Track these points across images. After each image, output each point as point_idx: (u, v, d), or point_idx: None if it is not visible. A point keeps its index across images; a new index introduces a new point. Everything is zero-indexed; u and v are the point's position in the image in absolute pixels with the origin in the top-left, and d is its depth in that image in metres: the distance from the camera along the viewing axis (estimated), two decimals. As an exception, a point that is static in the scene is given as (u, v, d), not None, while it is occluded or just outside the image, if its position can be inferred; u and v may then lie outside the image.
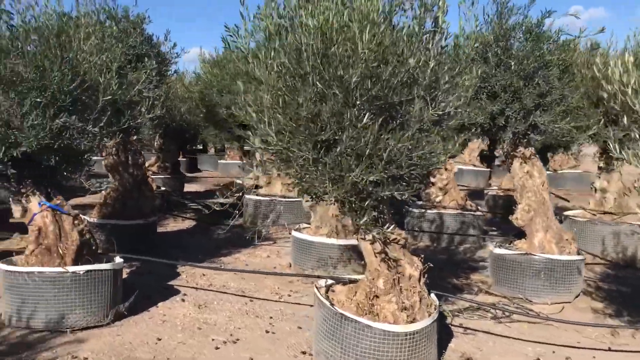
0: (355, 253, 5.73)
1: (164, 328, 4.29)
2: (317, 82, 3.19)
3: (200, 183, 14.26)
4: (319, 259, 5.75)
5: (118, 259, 4.48)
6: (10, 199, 4.44)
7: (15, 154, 4.06)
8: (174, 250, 6.74)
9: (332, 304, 3.60)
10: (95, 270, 4.17)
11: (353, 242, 5.73)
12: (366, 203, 3.18)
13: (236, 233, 7.99)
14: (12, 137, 4.03)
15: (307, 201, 5.85)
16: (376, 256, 3.61)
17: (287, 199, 8.20)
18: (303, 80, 3.25)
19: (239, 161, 16.75)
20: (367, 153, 3.06)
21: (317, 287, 3.89)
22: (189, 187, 12.56)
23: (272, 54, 3.27)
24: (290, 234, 7.62)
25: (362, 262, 5.79)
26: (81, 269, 4.12)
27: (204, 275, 5.73)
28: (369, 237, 3.53)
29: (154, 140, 10.90)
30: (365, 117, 3.04)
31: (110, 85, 4.45)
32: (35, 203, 4.40)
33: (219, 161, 17.27)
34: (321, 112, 3.20)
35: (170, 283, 5.42)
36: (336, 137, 3.19)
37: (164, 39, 6.39)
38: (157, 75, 5.89)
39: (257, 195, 8.47)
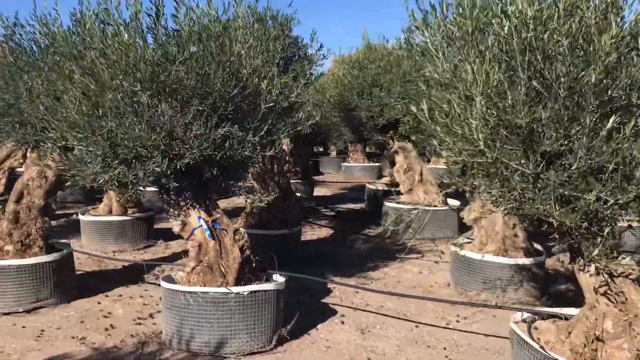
0: (528, 275, 5.04)
1: (330, 356, 3.90)
2: (533, 82, 2.62)
3: (327, 187, 13.99)
4: (485, 280, 5.11)
5: (279, 278, 4.15)
6: (169, 214, 4.25)
7: (178, 167, 3.84)
8: (317, 262, 6.40)
9: (541, 347, 3.00)
10: (259, 290, 3.85)
11: (526, 261, 5.05)
12: (605, 231, 2.55)
13: (377, 243, 7.53)
14: (176, 148, 3.81)
15: (473, 212, 5.25)
16: (597, 291, 2.95)
17: (433, 208, 7.61)
18: (514, 79, 2.69)
19: (363, 164, 16.36)
20: (610, 168, 2.43)
21: (515, 322, 3.30)
22: (316, 191, 12.31)
23: (480, 47, 2.73)
24: (438, 247, 7.11)
25: (536, 285, 5.11)
26: (245, 289, 3.82)
27: (357, 292, 5.31)
28: (592, 268, 2.89)
29: (284, 145, 10.73)
30: (610, 122, 2.42)
31: (271, 91, 4.14)
32: (194, 217, 4.18)
33: (342, 164, 16.95)
34: (540, 117, 2.62)
35: (324, 301, 5.05)
36: (561, 148, 2.60)
37: (310, 40, 6.05)
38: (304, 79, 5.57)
39: (397, 202, 7.95)
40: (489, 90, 2.67)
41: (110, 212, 7.14)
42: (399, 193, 8.46)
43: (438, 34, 3.01)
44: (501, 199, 2.87)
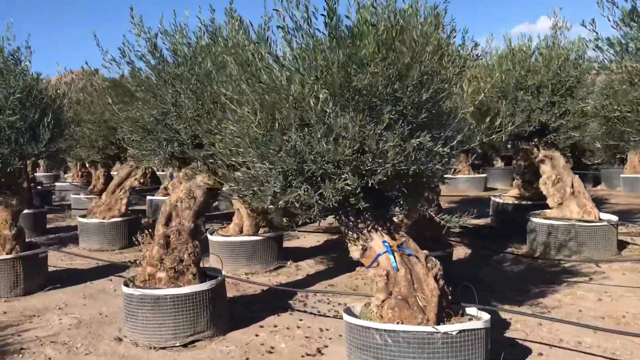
0: None
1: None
2: None
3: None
4: None
5: (484, 314, 3.53)
6: (347, 238, 3.74)
7: (369, 184, 3.32)
8: (475, 287, 5.71)
9: None
10: (469, 329, 3.25)
11: None
12: None
13: (529, 264, 6.76)
14: (368, 163, 3.29)
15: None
16: None
17: (590, 225, 6.76)
18: None
19: (468, 175, 15.49)
20: None
21: None
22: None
23: None
24: (601, 268, 6.18)
25: None
26: (453, 328, 3.23)
27: (540, 324, 4.60)
28: None
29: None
30: None
31: (463, 95, 3.57)
32: (377, 241, 3.65)
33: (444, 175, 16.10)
34: None
35: (509, 335, 4.38)
36: None
37: (462, 39, 5.41)
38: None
39: (546, 218, 7.14)
40: None
41: (240, 232, 6.78)
42: (537, 207, 7.67)
43: None
44: None
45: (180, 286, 4.40)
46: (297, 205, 3.46)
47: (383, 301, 3.50)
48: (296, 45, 3.38)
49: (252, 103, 3.41)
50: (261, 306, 5.26)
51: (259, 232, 6.78)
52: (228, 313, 4.71)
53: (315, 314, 5.01)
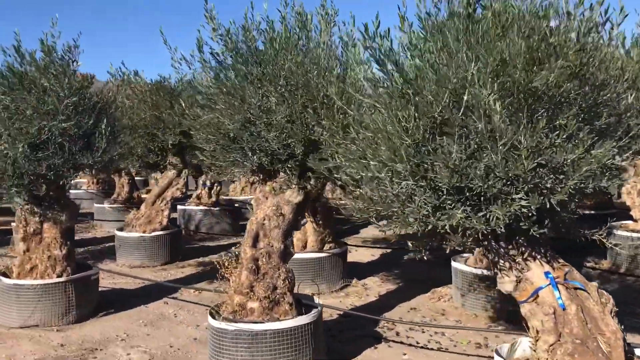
0: None
1: None
2: None
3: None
4: None
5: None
6: (497, 267, 3.15)
7: (548, 205, 2.74)
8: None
9: None
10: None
11: None
12: None
13: (622, 282, 6.20)
14: (547, 180, 2.72)
15: None
16: None
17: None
18: None
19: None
20: None
21: None
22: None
23: None
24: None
25: None
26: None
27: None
28: None
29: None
30: None
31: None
32: (537, 272, 3.06)
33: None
34: None
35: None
36: None
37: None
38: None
39: (631, 231, 6.58)
40: None
41: (304, 248, 6.18)
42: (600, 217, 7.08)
43: None
44: None
45: (278, 318, 3.81)
46: (448, 229, 2.88)
47: (552, 345, 2.92)
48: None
49: (395, 105, 2.82)
50: (347, 335, 4.68)
51: (324, 249, 6.19)
52: (326, 348, 4.12)
53: (416, 346, 4.43)
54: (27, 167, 4.60)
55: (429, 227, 2.86)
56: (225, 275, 4.10)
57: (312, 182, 4.29)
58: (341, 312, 5.25)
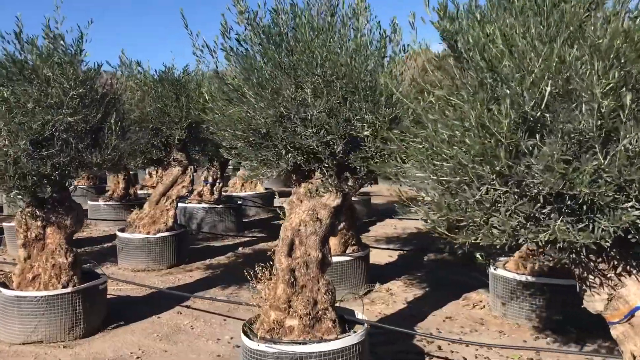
0: None
1: None
2: None
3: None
4: None
5: None
6: (585, 283, 2.77)
7: None
8: None
9: None
10: None
11: None
12: None
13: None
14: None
15: None
16: None
17: None
18: None
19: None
20: None
21: None
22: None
23: None
24: None
25: None
26: None
27: None
28: None
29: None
30: None
31: None
32: (634, 289, 2.67)
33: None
34: None
35: None
36: None
37: None
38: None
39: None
40: None
41: (325, 252, 5.75)
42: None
43: None
44: None
45: (320, 337, 3.39)
46: (540, 244, 2.48)
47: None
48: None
49: (481, 98, 2.40)
50: (386, 349, 4.27)
51: (347, 252, 5.78)
52: (371, 369, 3.72)
53: (465, 362, 4.05)
54: (30, 166, 4.12)
55: (520, 240, 2.46)
56: (258, 287, 3.68)
57: (350, 183, 3.89)
58: (375, 323, 4.82)
